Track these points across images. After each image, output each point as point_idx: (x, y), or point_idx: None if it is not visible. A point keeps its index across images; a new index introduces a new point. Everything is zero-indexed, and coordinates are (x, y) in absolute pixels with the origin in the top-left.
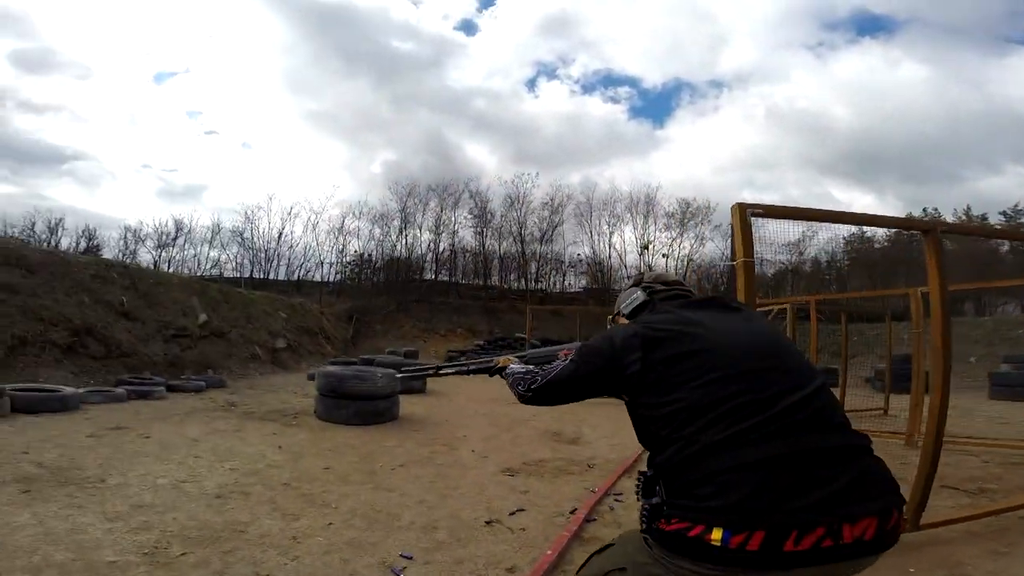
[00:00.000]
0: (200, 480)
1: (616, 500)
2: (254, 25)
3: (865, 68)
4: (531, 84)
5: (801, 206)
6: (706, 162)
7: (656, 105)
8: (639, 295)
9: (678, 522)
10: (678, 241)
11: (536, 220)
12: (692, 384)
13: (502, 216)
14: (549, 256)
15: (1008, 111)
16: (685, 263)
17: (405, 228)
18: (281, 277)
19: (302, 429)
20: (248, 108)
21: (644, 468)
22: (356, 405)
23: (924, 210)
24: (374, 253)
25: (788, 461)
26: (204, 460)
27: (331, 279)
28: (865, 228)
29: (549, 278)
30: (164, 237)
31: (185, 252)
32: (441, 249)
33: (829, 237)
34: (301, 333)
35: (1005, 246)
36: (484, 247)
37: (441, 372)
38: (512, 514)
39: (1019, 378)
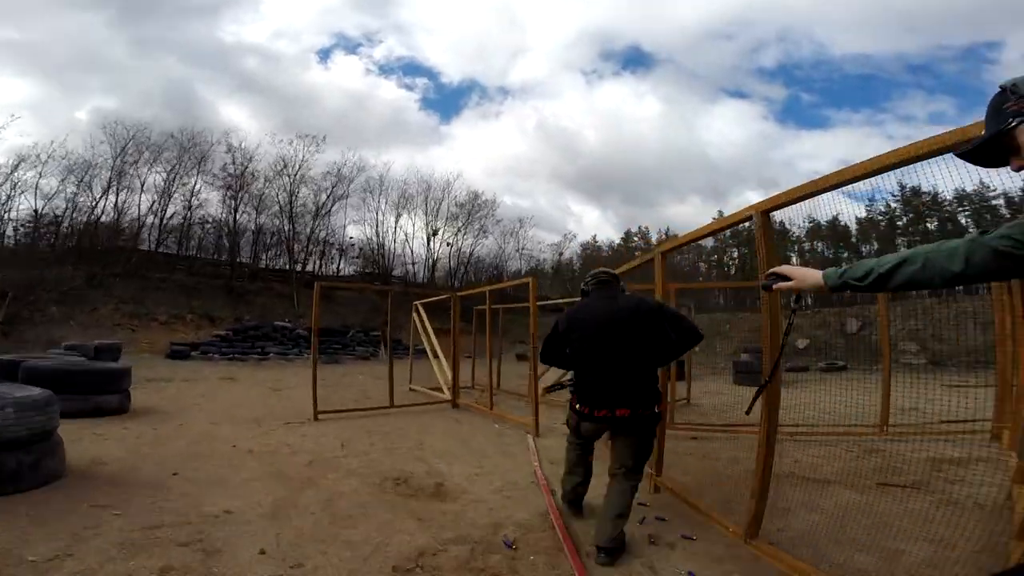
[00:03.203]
0: None
1: None
2: None
3: (619, 98)
4: (324, 55)
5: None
6: (479, 164)
7: (448, 101)
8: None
9: (579, 404)
10: (462, 232)
11: (311, 192)
12: (575, 339)
13: (267, 182)
14: (322, 235)
15: (700, 152)
16: (468, 255)
17: (117, 184)
18: None
19: None
20: None
21: (565, 382)
22: None
23: (639, 228)
24: (63, 211)
25: (603, 383)
26: None
27: None
28: (597, 237)
29: (320, 260)
30: None
31: None
32: (171, 214)
33: (583, 242)
34: None
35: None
36: (235, 217)
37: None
38: None
39: (758, 365)
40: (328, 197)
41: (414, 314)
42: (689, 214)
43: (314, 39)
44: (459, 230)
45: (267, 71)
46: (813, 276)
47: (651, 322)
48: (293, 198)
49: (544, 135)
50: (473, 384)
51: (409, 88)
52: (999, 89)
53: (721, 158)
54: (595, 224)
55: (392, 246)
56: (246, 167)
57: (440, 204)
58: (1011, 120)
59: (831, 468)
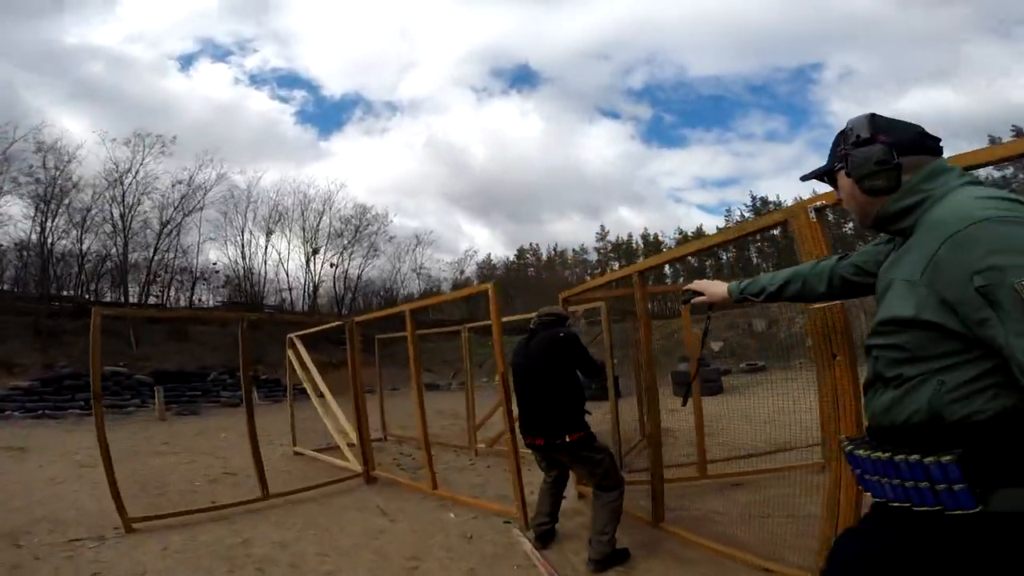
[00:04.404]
0: None
1: None
2: None
3: (506, 116)
4: (186, 61)
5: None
6: (362, 182)
7: (329, 115)
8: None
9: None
10: (348, 252)
11: (156, 206)
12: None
13: (96, 194)
14: (172, 259)
15: (578, 170)
16: (356, 278)
17: None
18: None
19: None
20: None
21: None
22: None
23: (530, 244)
24: None
25: (528, 415)
26: None
27: None
28: (493, 256)
29: (167, 289)
30: None
31: None
32: None
33: (481, 260)
34: None
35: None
36: (45, 236)
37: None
38: None
39: (699, 376)
40: (176, 211)
41: (289, 351)
42: (571, 230)
43: (176, 44)
44: (344, 249)
45: (114, 77)
46: (720, 289)
47: (558, 359)
48: (130, 213)
49: (433, 152)
50: (385, 435)
51: (284, 100)
52: (846, 126)
53: (596, 176)
54: (487, 243)
55: (263, 270)
56: (61, 171)
57: (321, 219)
58: (836, 164)
59: None
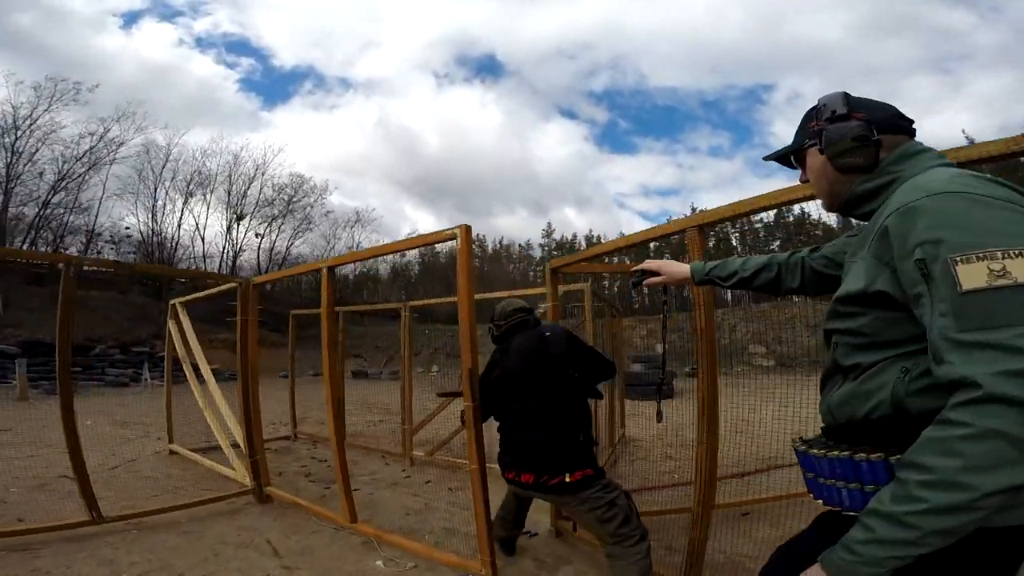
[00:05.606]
0: None
1: None
2: None
3: (464, 105)
4: (130, 19)
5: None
6: (301, 156)
7: (276, 85)
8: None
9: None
10: (279, 221)
11: (57, 157)
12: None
13: None
14: (64, 216)
15: (531, 166)
16: (284, 251)
17: None
18: None
19: None
20: None
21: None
22: None
23: (477, 236)
24: None
25: (511, 444)
26: None
27: None
28: (437, 246)
29: (57, 247)
30: None
31: None
32: None
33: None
34: None
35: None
36: None
37: None
38: None
39: (652, 377)
40: (79, 163)
41: (170, 322)
42: (517, 226)
43: (122, 1)
44: (274, 219)
45: (44, 29)
46: (681, 269)
47: (554, 366)
48: (19, 161)
49: (384, 133)
50: (295, 434)
51: (229, 66)
52: (818, 103)
53: (547, 174)
54: (431, 229)
55: (176, 234)
56: None
57: (251, 185)
58: (806, 141)
59: None
